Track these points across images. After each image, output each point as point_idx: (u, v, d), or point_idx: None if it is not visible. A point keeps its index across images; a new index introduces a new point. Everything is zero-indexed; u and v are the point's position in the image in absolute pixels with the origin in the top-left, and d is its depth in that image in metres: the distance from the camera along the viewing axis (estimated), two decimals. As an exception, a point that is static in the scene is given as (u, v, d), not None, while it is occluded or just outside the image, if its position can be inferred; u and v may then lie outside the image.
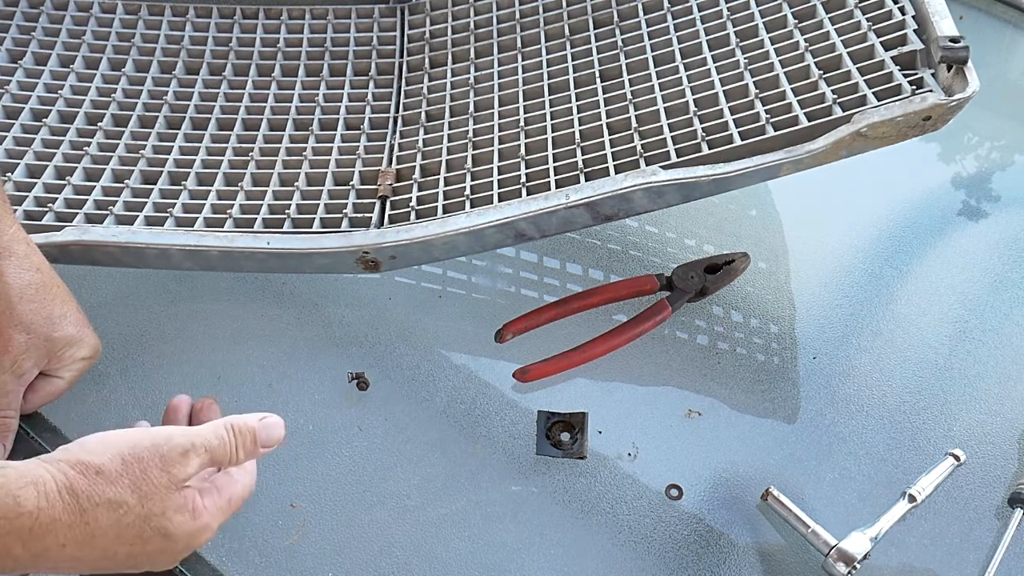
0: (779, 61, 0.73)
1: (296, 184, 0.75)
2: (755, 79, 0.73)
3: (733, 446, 0.69)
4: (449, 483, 0.67)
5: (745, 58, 0.75)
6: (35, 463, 0.46)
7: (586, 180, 0.70)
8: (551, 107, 0.79)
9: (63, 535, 0.45)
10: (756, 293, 0.79)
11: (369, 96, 0.85)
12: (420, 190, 0.74)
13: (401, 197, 0.74)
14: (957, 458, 0.66)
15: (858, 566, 0.60)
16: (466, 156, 0.76)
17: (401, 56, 0.89)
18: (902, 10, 0.72)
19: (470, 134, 0.78)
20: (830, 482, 0.67)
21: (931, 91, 0.64)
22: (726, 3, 0.81)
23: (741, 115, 0.70)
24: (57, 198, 0.73)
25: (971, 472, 0.67)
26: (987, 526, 0.65)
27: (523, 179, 0.72)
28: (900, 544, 0.64)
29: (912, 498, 0.64)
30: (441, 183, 0.74)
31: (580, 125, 0.76)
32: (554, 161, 0.73)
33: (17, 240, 0.62)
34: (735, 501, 0.66)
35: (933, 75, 0.67)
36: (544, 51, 0.85)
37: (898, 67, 0.68)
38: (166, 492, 0.48)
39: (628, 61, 0.80)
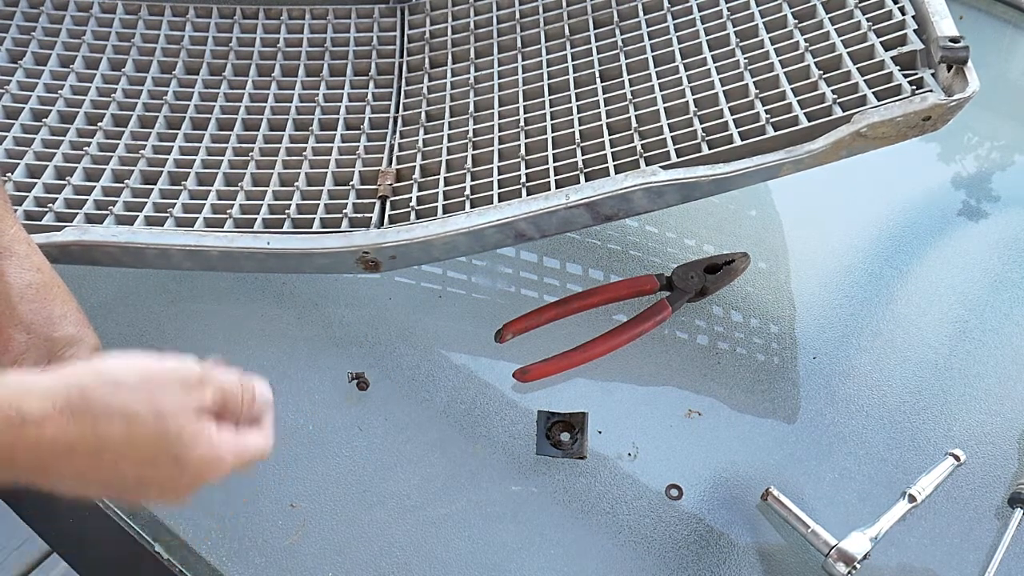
0: (779, 61, 0.73)
1: (296, 184, 0.75)
2: (755, 79, 0.73)
3: (733, 446, 0.69)
4: (449, 483, 0.67)
5: (745, 58, 0.75)
6: (47, 374, 0.44)
7: (586, 180, 0.70)
8: (551, 107, 0.79)
9: (73, 442, 0.43)
10: (756, 293, 0.79)
11: (369, 96, 0.85)
12: (420, 190, 0.74)
13: (401, 197, 0.74)
14: (957, 458, 0.66)
15: (858, 566, 0.60)
16: (466, 156, 0.76)
17: (401, 56, 0.89)
18: (902, 10, 0.72)
19: (470, 134, 0.78)
20: (830, 482, 0.67)
21: (931, 91, 0.64)
22: (726, 3, 0.81)
23: (741, 115, 0.70)
24: (57, 198, 0.73)
25: (971, 472, 0.67)
26: (987, 526, 0.65)
27: (523, 179, 0.72)
28: (900, 544, 0.64)
29: (912, 498, 0.64)
30: (441, 183, 0.74)
31: (580, 125, 0.76)
32: (554, 161, 0.73)
33: (18, 240, 0.62)
34: (735, 501, 0.66)
35: (933, 75, 0.67)
36: (544, 51, 0.85)
37: (898, 67, 0.68)
38: (182, 413, 0.45)
39: (628, 61, 0.80)
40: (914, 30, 0.70)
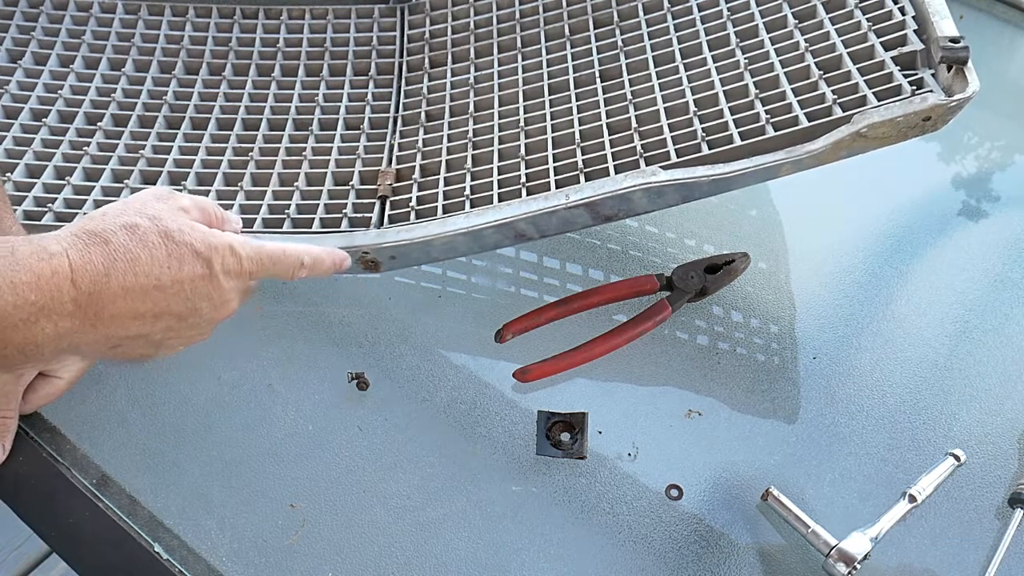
0: (779, 61, 0.73)
1: (296, 184, 0.75)
2: (755, 79, 0.73)
3: (733, 446, 0.69)
4: (449, 483, 0.67)
5: (745, 58, 0.75)
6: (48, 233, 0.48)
7: (586, 180, 0.70)
8: (551, 107, 0.79)
9: (102, 265, 0.46)
10: (756, 293, 0.79)
11: (369, 96, 0.85)
12: (420, 190, 0.74)
13: (401, 197, 0.74)
14: (957, 458, 0.66)
15: (858, 566, 0.60)
16: (466, 156, 0.76)
17: (401, 56, 0.89)
18: (902, 10, 0.72)
19: (470, 134, 0.78)
20: (830, 482, 0.67)
21: (931, 91, 0.64)
22: (726, 3, 0.81)
23: (741, 115, 0.70)
24: (57, 198, 0.73)
25: (971, 472, 0.67)
26: (987, 526, 0.65)
27: (523, 179, 0.72)
28: (900, 544, 0.64)
29: (912, 498, 0.64)
30: (441, 183, 0.74)
31: (580, 125, 0.76)
32: (554, 161, 0.73)
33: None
34: (735, 501, 0.66)
35: (933, 75, 0.67)
36: (544, 51, 0.85)
37: (898, 67, 0.68)
38: (172, 214, 0.50)
39: (628, 61, 0.80)
40: (914, 30, 0.70)
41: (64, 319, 0.45)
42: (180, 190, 0.74)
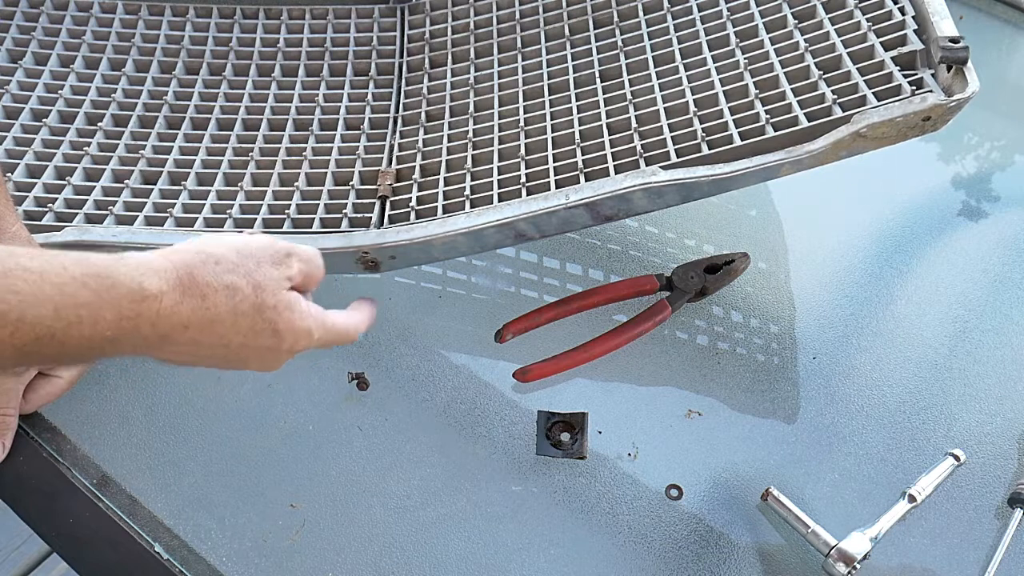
0: (779, 61, 0.74)
1: (296, 184, 0.75)
2: (755, 79, 0.73)
3: (733, 446, 0.69)
4: (449, 483, 0.67)
5: (745, 58, 0.75)
6: (155, 254, 0.47)
7: (586, 180, 0.70)
8: (551, 107, 0.79)
9: (187, 317, 0.47)
10: (756, 293, 0.79)
11: (369, 96, 0.85)
12: (420, 190, 0.74)
13: (401, 197, 0.74)
14: (957, 458, 0.66)
15: (858, 566, 0.60)
16: (466, 156, 0.76)
17: (401, 56, 0.89)
18: (902, 10, 0.72)
19: (470, 134, 0.78)
20: (830, 482, 0.67)
21: (931, 91, 0.64)
22: (726, 3, 0.81)
23: (741, 115, 0.70)
24: (57, 198, 0.73)
25: (971, 472, 0.67)
26: (987, 526, 0.65)
27: (523, 179, 0.72)
28: (900, 544, 0.64)
29: (912, 498, 0.64)
30: (441, 183, 0.74)
31: (580, 125, 0.76)
32: (554, 161, 0.73)
33: (20, 239, 0.62)
34: (735, 501, 0.66)
35: (933, 75, 0.67)
36: (544, 51, 0.85)
37: (898, 67, 0.68)
38: (277, 286, 0.50)
39: (628, 61, 0.80)
40: (914, 30, 0.70)
41: (128, 348, 0.47)
42: (181, 190, 0.74)
